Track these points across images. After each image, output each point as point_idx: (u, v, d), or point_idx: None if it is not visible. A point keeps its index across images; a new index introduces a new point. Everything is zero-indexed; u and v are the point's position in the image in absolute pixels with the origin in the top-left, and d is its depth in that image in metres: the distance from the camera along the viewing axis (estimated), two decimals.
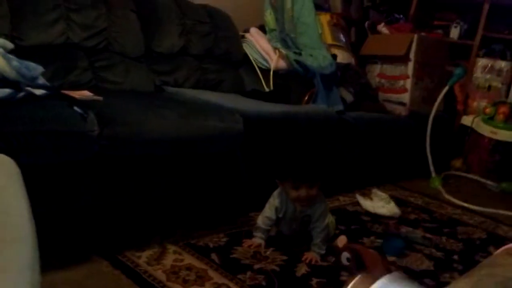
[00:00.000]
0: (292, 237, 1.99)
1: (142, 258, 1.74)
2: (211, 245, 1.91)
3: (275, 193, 1.95)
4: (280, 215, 1.94)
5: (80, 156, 1.56)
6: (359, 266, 1.84)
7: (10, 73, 1.56)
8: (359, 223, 2.38)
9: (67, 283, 1.51)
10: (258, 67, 3.02)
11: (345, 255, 1.89)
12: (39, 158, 1.47)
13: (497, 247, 0.81)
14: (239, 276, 1.70)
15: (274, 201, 1.94)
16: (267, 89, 2.93)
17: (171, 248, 1.84)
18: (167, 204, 2.02)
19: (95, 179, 1.68)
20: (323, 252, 1.91)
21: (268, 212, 1.94)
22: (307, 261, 1.86)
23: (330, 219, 2.02)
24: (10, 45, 1.75)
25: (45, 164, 1.50)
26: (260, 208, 2.00)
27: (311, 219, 1.92)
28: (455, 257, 2.12)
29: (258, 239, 1.94)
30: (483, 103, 3.65)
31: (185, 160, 1.92)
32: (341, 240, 1.98)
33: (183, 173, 1.94)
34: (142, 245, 1.81)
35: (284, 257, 1.88)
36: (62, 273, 1.55)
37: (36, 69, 1.68)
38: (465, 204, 2.85)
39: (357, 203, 2.62)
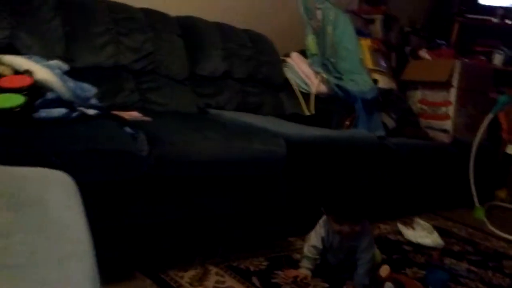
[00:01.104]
0: (337, 266, 1.94)
1: (185, 278, 1.75)
2: (252, 268, 1.90)
3: (321, 221, 1.91)
4: (327, 245, 1.90)
5: (129, 175, 1.59)
6: None
7: (66, 93, 1.62)
8: (401, 253, 2.33)
9: None
10: (299, 91, 3.03)
11: (388, 285, 1.85)
12: (92, 176, 1.50)
13: None
14: None
15: (320, 230, 1.90)
16: (308, 113, 2.93)
17: (213, 269, 1.84)
18: (210, 225, 2.03)
19: (142, 198, 1.71)
20: (366, 283, 1.86)
21: (315, 240, 1.89)
22: None
23: (374, 250, 1.97)
24: (65, 67, 1.82)
25: (96, 181, 1.53)
26: (299, 233, 1.98)
27: (357, 250, 1.87)
28: None
29: (304, 270, 1.88)
30: None
31: (228, 182, 1.93)
32: (384, 270, 1.94)
33: (226, 195, 1.95)
34: (185, 264, 1.82)
35: (326, 285, 1.85)
36: None
37: (90, 90, 1.74)
38: (511, 237, 2.75)
39: (399, 232, 2.57)
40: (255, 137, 1.96)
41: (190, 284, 1.72)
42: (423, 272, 2.10)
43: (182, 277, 1.75)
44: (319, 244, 1.88)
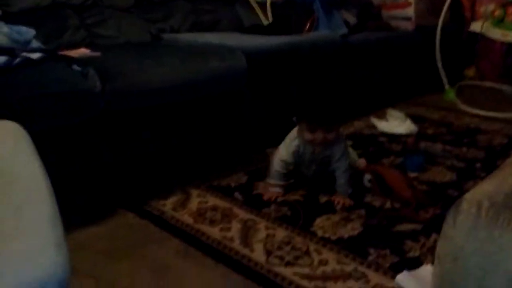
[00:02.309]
0: (313, 178, 1.89)
1: (167, 205, 1.76)
2: (232, 184, 1.92)
3: (291, 134, 1.82)
4: (298, 159, 1.83)
5: (87, 114, 1.54)
6: (381, 186, 1.84)
7: (1, 40, 1.52)
8: (376, 145, 2.36)
9: (97, 238, 1.54)
10: (255, 1, 2.91)
11: (366, 177, 1.89)
12: (48, 122, 1.45)
13: None
14: (264, 210, 1.72)
15: (290, 143, 1.80)
16: (266, 22, 2.84)
17: (195, 192, 1.85)
18: (185, 151, 2.02)
19: (108, 136, 1.67)
20: (350, 191, 1.81)
21: (285, 155, 1.81)
22: (339, 205, 1.75)
23: (349, 157, 1.87)
24: None
25: (56, 127, 1.49)
26: (276, 144, 1.98)
27: (331, 160, 1.80)
28: (478, 165, 2.11)
29: (276, 188, 1.82)
30: (491, 7, 3.50)
31: (193, 105, 1.89)
32: (361, 163, 1.97)
33: (194, 118, 1.92)
34: (166, 193, 1.82)
35: (306, 188, 1.88)
36: (91, 229, 1.58)
37: (28, 32, 1.63)
38: (482, 112, 2.80)
39: (373, 126, 2.60)
40: (212, 55, 1.90)
41: (174, 210, 1.73)
42: (400, 159, 2.15)
43: (164, 205, 1.76)
44: (289, 158, 1.81)
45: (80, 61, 1.59)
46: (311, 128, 1.71)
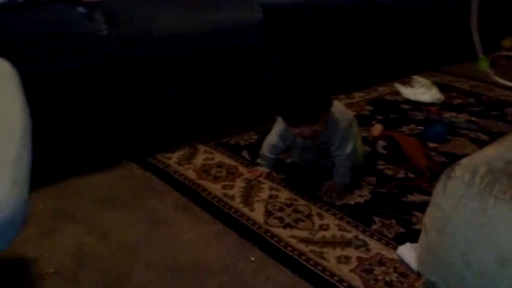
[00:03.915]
0: (308, 167, 1.67)
1: (173, 159, 1.73)
2: (242, 143, 1.87)
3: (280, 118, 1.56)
4: (288, 143, 1.61)
5: (92, 58, 1.50)
6: (396, 154, 1.76)
7: None
8: (398, 112, 2.26)
9: (100, 185, 1.53)
10: None
11: (381, 143, 1.81)
12: (50, 64, 1.42)
13: None
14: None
15: (279, 127, 1.57)
16: None
17: (202, 148, 1.81)
18: (197, 106, 1.97)
19: (116, 84, 1.63)
20: (347, 182, 1.56)
21: (274, 138, 1.59)
22: (326, 194, 1.52)
23: (358, 143, 1.64)
24: None
25: (57, 70, 1.45)
26: None
27: (330, 147, 1.55)
28: None
29: (263, 167, 1.64)
30: None
31: (206, 58, 1.82)
32: (377, 129, 1.89)
33: (207, 72, 1.86)
34: (173, 147, 1.79)
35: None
36: (92, 177, 1.57)
37: None
38: None
39: (397, 93, 2.48)
40: (227, 5, 1.80)
41: (178, 163, 1.70)
42: (421, 128, 2.05)
43: (169, 158, 1.73)
44: (278, 142, 1.60)
45: (88, 4, 1.54)
46: (294, 123, 1.46)
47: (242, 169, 1.68)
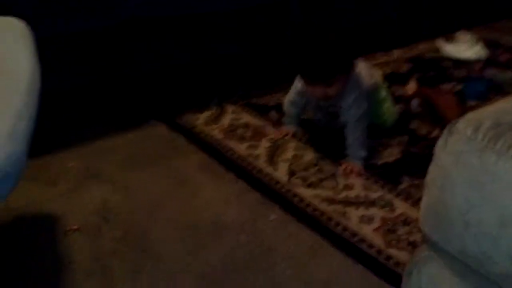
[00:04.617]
0: (323, 129, 1.60)
1: (200, 119, 1.73)
2: (270, 103, 1.84)
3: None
4: (304, 100, 1.54)
5: (113, 20, 1.49)
6: (431, 112, 1.68)
7: None
8: (438, 70, 2.15)
9: (123, 145, 1.55)
10: None
11: (415, 101, 1.74)
12: (77, 24, 1.43)
13: None
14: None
15: (298, 84, 1.51)
16: None
17: (230, 108, 1.80)
18: (225, 66, 1.95)
19: (142, 44, 1.64)
20: (364, 154, 1.43)
21: (292, 95, 1.55)
22: (347, 172, 1.40)
23: (386, 105, 1.57)
24: None
25: (85, 31, 1.47)
26: None
27: (341, 110, 1.45)
28: None
29: (288, 126, 1.61)
30: None
31: (236, 16, 1.79)
32: (411, 87, 1.80)
33: (237, 31, 1.83)
34: (201, 108, 1.79)
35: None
36: (119, 136, 1.59)
37: None
38: None
39: (439, 50, 2.35)
40: None
41: (205, 124, 1.70)
42: (463, 85, 1.94)
43: (197, 119, 1.73)
44: (296, 99, 1.54)
45: None
46: (307, 82, 1.40)
47: (269, 129, 1.66)
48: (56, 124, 1.60)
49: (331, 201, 1.30)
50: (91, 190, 1.33)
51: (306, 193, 1.33)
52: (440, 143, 0.56)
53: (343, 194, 1.32)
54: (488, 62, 2.18)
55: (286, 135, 1.60)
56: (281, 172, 1.42)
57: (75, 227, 1.18)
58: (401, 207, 1.27)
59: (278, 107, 1.79)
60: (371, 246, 1.15)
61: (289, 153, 1.52)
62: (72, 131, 1.60)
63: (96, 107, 1.71)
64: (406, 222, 1.22)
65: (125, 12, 1.51)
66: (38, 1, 1.31)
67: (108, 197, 1.30)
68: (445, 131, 0.56)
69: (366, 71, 1.51)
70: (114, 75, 1.64)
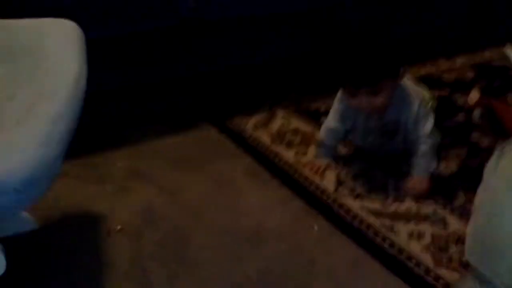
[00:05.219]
0: (373, 152, 1.44)
1: (249, 124, 1.71)
2: (322, 109, 1.79)
3: (340, 94, 1.35)
4: (348, 126, 1.38)
5: (169, 21, 1.51)
6: (494, 124, 1.57)
7: None
8: (505, 79, 2.01)
9: (175, 147, 1.56)
10: None
11: (477, 112, 1.63)
12: (132, 25, 1.45)
13: None
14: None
15: (339, 105, 1.36)
16: None
17: (280, 113, 1.77)
18: (278, 69, 1.93)
19: (195, 46, 1.64)
20: (432, 169, 1.31)
21: (332, 122, 1.39)
22: (415, 192, 1.29)
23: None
24: None
25: (139, 32, 1.49)
26: None
27: (399, 127, 1.32)
28: None
29: (325, 159, 1.43)
30: None
31: (289, 21, 1.76)
32: (473, 96, 1.70)
33: (289, 35, 1.80)
34: (252, 112, 1.77)
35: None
36: (168, 138, 1.61)
37: None
38: None
39: (507, 58, 2.20)
40: None
41: (254, 127, 1.68)
42: None
43: (247, 123, 1.71)
44: (338, 126, 1.38)
45: None
46: (350, 91, 1.25)
47: (318, 135, 1.61)
48: (107, 123, 1.64)
49: (379, 214, 1.24)
50: (137, 191, 1.34)
51: (353, 204, 1.28)
52: (490, 165, 0.50)
53: (393, 207, 1.26)
54: None
55: (318, 169, 1.41)
56: (328, 181, 1.37)
57: (119, 227, 1.19)
58: (454, 224, 1.19)
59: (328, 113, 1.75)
60: (418, 264, 1.08)
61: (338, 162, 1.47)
62: (122, 131, 1.63)
63: (148, 108, 1.74)
64: (460, 240, 1.13)
65: (182, 13, 1.52)
66: (88, 3, 1.34)
67: (153, 199, 1.31)
68: (496, 152, 0.50)
69: (412, 86, 1.40)
70: (168, 76, 1.66)
